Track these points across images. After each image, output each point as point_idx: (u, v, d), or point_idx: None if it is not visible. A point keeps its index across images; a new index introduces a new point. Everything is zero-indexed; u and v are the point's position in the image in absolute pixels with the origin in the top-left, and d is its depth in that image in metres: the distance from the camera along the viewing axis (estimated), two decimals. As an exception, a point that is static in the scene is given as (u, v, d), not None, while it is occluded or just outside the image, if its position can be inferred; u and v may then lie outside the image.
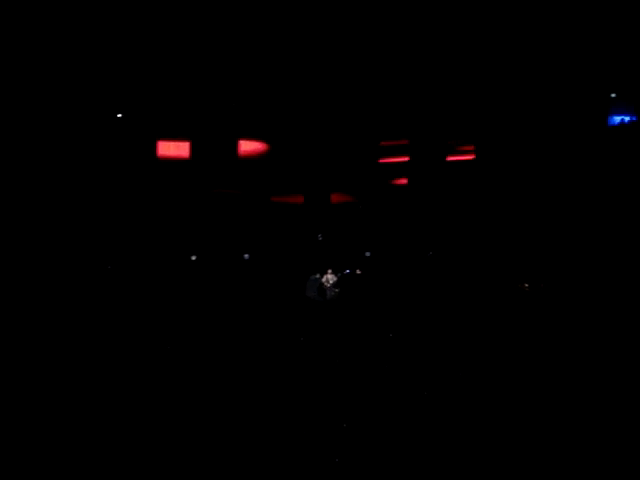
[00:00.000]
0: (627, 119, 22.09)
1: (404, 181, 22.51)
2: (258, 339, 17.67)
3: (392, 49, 21.89)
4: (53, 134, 21.12)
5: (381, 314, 19.17)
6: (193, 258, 21.05)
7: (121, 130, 21.59)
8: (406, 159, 22.39)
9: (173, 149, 21.43)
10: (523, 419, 13.71)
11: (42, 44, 20.64)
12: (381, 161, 22.47)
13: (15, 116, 20.87)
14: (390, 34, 21.75)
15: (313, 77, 22.09)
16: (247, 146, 21.84)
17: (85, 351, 16.24)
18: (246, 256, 21.30)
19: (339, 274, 20.17)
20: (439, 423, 13.85)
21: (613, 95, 21.97)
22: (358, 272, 20.76)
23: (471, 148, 22.23)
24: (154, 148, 21.39)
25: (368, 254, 21.57)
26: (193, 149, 21.48)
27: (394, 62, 21.95)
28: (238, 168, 21.83)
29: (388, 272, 21.14)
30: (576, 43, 21.37)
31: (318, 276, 20.12)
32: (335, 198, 22.31)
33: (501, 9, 21.28)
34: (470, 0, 21.55)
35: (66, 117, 21.25)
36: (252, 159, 21.85)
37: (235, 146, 21.67)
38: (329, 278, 20.05)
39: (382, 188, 22.53)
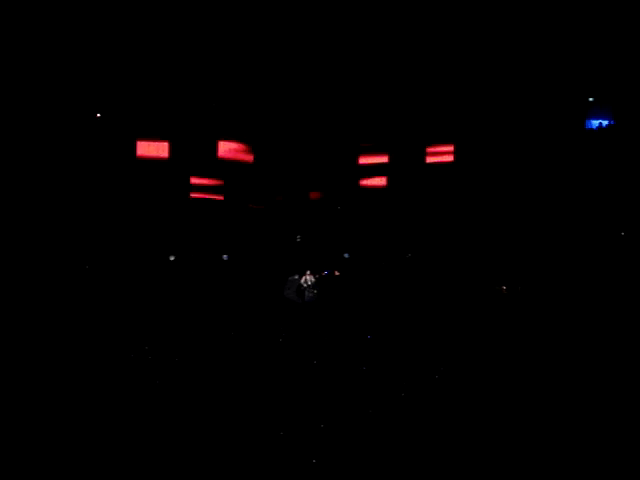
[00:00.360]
0: (605, 123, 22.23)
1: (383, 182, 22.53)
2: (237, 339, 17.67)
3: (372, 51, 21.95)
4: (31, 134, 21.00)
5: (360, 315, 19.21)
6: (172, 258, 21.01)
7: (100, 129, 21.50)
8: (385, 160, 22.41)
9: (152, 149, 21.35)
10: (504, 421, 13.77)
11: (21, 46, 20.54)
12: (360, 162, 22.48)
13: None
14: (369, 36, 21.81)
15: (293, 78, 22.10)
16: (226, 147, 21.79)
17: (61, 353, 16.18)
18: (225, 257, 21.29)
19: (317, 275, 20.18)
20: (417, 426, 13.89)
21: (591, 99, 22.11)
22: (337, 273, 20.78)
23: (450, 149, 22.29)
24: (133, 148, 21.30)
25: (347, 255, 21.61)
26: (172, 149, 21.41)
27: (374, 63, 22.00)
28: (217, 169, 21.79)
29: (367, 273, 21.19)
30: (554, 47, 21.49)
31: (297, 277, 20.13)
32: (313, 197, 22.33)
33: (479, 14, 21.38)
34: (448, 8, 21.62)
35: (44, 117, 21.14)
36: (231, 160, 21.79)
37: (215, 147, 21.62)
38: (307, 279, 20.06)
39: (361, 189, 22.54)
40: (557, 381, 15.30)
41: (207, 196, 21.78)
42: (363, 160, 22.40)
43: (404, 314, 19.19)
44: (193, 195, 21.72)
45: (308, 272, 20.07)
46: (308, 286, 19.97)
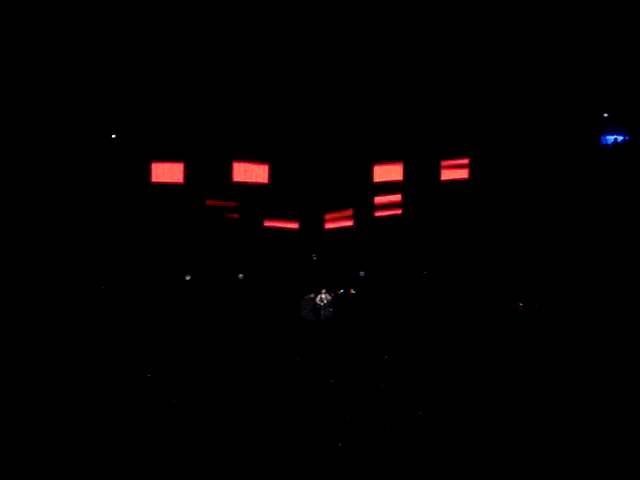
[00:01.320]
0: (620, 139, 22.17)
1: (398, 199, 22.46)
2: (254, 358, 17.65)
3: (382, 69, 21.97)
4: (45, 153, 21.10)
5: (376, 333, 19.16)
6: (188, 278, 21.02)
7: (114, 151, 21.58)
8: (400, 177, 22.33)
9: (167, 171, 21.37)
10: (516, 437, 13.71)
11: (34, 64, 20.66)
12: (375, 182, 22.41)
13: (8, 135, 20.88)
14: (378, 53, 21.83)
15: (306, 97, 22.13)
16: (241, 168, 21.78)
17: (74, 377, 16.20)
18: (240, 276, 21.28)
19: (333, 294, 20.17)
20: (434, 442, 13.84)
21: (606, 115, 22.06)
22: (352, 292, 20.73)
23: (465, 162, 22.20)
24: (148, 169, 21.33)
25: (362, 274, 21.56)
26: (187, 172, 21.43)
27: (385, 81, 22.02)
28: (232, 190, 21.78)
29: (383, 292, 21.12)
30: (569, 63, 21.46)
31: (312, 296, 20.11)
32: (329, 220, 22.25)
33: (496, 27, 21.36)
34: (464, 22, 21.62)
35: (58, 137, 21.24)
36: (246, 183, 21.79)
37: (229, 168, 21.61)
38: (323, 297, 20.04)
39: (375, 207, 22.48)
40: (573, 396, 15.24)
41: (223, 216, 21.78)
42: (378, 178, 22.33)
43: (420, 332, 19.13)
44: (208, 215, 21.70)
45: (324, 290, 20.05)
46: (324, 305, 19.95)
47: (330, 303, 20.01)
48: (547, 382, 16.15)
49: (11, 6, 20.15)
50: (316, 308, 19.86)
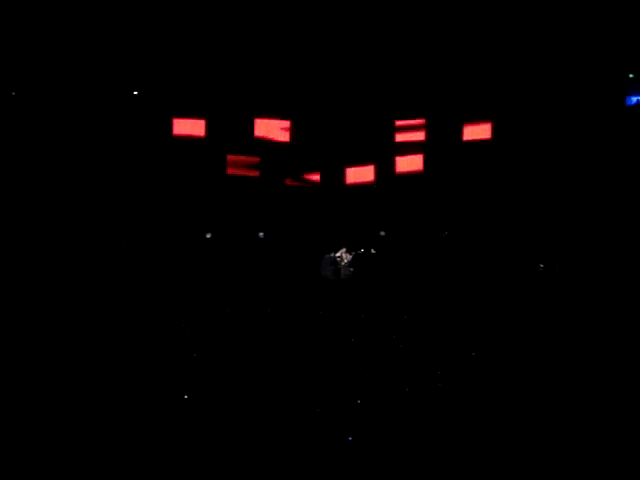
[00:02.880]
0: (644, 99, 21.95)
1: (420, 160, 22.35)
2: (273, 317, 17.75)
3: (405, 28, 21.78)
4: (67, 115, 21.14)
5: (396, 295, 19.22)
6: (208, 236, 21.09)
7: (136, 107, 21.56)
8: (422, 137, 22.22)
9: (189, 127, 21.37)
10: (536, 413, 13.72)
11: (55, 26, 20.65)
12: (397, 140, 22.30)
13: (31, 95, 20.94)
14: (403, 16, 21.66)
15: (327, 56, 22.00)
16: (263, 124, 21.73)
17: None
18: (261, 234, 21.32)
19: (353, 253, 20.19)
20: (452, 402, 13.88)
21: (631, 75, 21.79)
22: (373, 251, 20.75)
23: (488, 126, 22.06)
24: (169, 126, 21.33)
25: (383, 233, 21.55)
26: (208, 127, 21.40)
27: (408, 41, 21.84)
28: (254, 146, 21.72)
29: (403, 252, 21.14)
30: (593, 23, 21.20)
31: (333, 255, 20.15)
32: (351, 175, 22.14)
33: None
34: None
35: (79, 99, 21.26)
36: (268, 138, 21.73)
37: (252, 124, 21.57)
38: (344, 256, 20.08)
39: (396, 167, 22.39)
40: (598, 366, 15.21)
41: (243, 173, 21.74)
42: (400, 137, 22.22)
43: (440, 292, 19.16)
44: (229, 172, 21.67)
45: (344, 249, 20.09)
46: (344, 264, 20.00)
47: (350, 262, 20.06)
48: (570, 346, 16.15)
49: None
50: (337, 267, 19.92)
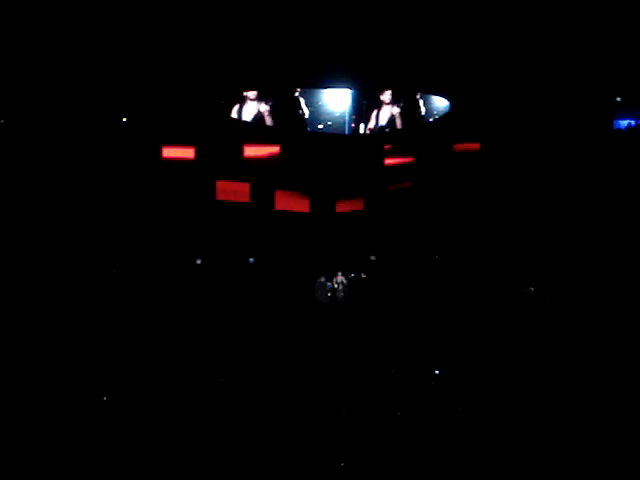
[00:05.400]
0: (633, 123, 22.10)
1: (408, 184, 22.34)
2: (265, 342, 17.71)
3: (394, 43, 21.85)
4: (58, 138, 21.07)
5: (387, 318, 19.19)
6: (198, 262, 20.98)
7: (126, 134, 21.50)
8: (411, 160, 22.20)
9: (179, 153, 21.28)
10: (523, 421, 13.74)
11: (47, 47, 20.61)
12: (386, 163, 22.28)
13: (20, 119, 20.87)
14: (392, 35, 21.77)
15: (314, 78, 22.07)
16: (252, 151, 21.63)
17: (85, 356, 16.26)
18: (251, 260, 21.22)
19: (348, 277, 20.22)
20: (443, 427, 13.88)
21: (618, 99, 21.98)
22: (363, 276, 20.71)
23: (476, 147, 22.11)
24: (159, 153, 21.22)
25: (373, 258, 21.51)
26: (198, 154, 21.31)
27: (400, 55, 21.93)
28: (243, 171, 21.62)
29: (394, 276, 21.09)
30: (582, 46, 21.37)
31: (323, 279, 20.11)
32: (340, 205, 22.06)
33: (507, 12, 21.27)
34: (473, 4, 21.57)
35: (70, 120, 21.20)
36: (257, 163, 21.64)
37: (240, 151, 21.47)
38: (339, 280, 20.07)
39: (386, 190, 22.36)
40: (583, 382, 15.28)
41: (233, 199, 21.62)
42: (389, 161, 22.20)
43: (431, 316, 19.14)
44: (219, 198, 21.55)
45: (340, 273, 20.06)
46: (339, 288, 19.97)
47: (345, 286, 20.03)
48: (560, 366, 16.19)
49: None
50: (332, 291, 19.88)
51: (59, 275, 19.43)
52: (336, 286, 19.88)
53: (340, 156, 21.85)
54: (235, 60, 21.32)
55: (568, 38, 21.33)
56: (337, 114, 22.31)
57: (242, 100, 21.65)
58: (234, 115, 21.61)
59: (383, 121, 22.08)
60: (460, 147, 22.16)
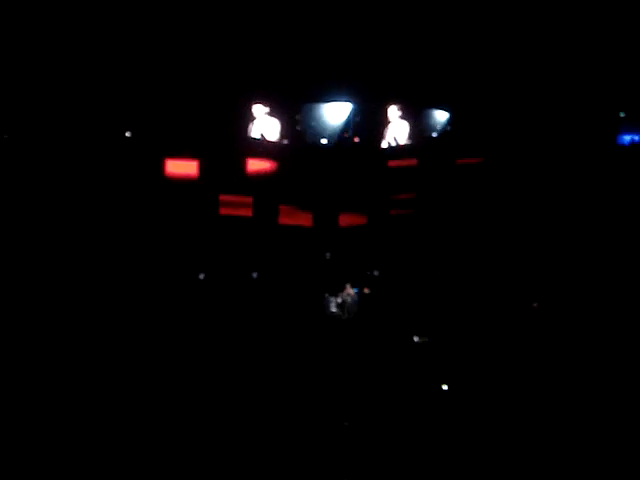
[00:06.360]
0: (637, 138, 22.09)
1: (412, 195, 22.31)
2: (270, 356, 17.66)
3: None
4: (60, 151, 20.95)
5: (390, 333, 19.19)
6: (201, 277, 20.90)
7: (129, 148, 21.41)
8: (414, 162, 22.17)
9: (181, 168, 21.18)
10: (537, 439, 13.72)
11: (47, 57, 20.54)
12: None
13: (21, 132, 20.77)
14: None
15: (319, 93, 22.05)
16: (255, 165, 21.58)
17: (86, 374, 16.20)
18: (254, 275, 21.16)
19: (357, 290, 20.23)
20: (448, 442, 13.88)
21: (622, 114, 22.00)
22: (366, 291, 20.70)
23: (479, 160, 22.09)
24: (162, 166, 21.13)
25: (376, 273, 21.47)
26: (201, 168, 21.21)
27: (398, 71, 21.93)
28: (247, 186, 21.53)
29: (397, 291, 21.06)
30: (586, 61, 21.41)
31: (326, 295, 20.12)
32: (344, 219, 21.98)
33: (509, 24, 21.31)
34: (473, 19, 21.59)
35: (72, 133, 21.10)
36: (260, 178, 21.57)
37: (244, 165, 21.40)
38: (349, 293, 20.09)
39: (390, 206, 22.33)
40: (588, 398, 15.29)
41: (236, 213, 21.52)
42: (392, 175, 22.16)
43: (435, 333, 19.14)
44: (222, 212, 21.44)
45: (349, 286, 20.06)
46: (350, 301, 19.98)
47: (355, 300, 20.05)
48: (567, 381, 16.19)
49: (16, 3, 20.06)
50: (341, 305, 19.88)
51: (63, 290, 19.33)
52: (347, 299, 19.91)
53: (342, 170, 21.88)
54: (239, 74, 21.32)
55: (572, 53, 21.36)
56: (335, 127, 22.28)
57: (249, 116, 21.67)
58: (241, 130, 21.58)
59: (390, 137, 22.10)
60: (463, 162, 22.13)
